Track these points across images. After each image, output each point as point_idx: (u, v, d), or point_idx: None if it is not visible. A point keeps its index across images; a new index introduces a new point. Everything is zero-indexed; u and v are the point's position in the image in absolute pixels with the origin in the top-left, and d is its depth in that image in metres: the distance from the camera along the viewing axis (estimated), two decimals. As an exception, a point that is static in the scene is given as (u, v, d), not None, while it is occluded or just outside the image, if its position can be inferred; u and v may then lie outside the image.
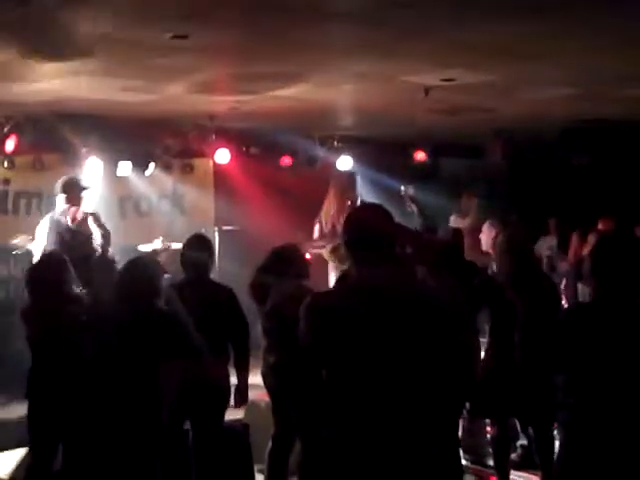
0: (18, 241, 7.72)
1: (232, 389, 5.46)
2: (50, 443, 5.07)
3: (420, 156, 11.32)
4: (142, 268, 4.71)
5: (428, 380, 3.21)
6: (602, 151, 10.45)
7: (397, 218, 3.57)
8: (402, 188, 7.31)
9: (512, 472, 5.97)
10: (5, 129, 8.58)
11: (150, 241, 9.29)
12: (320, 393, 3.31)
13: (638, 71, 6.85)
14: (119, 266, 5.17)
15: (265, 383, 5.44)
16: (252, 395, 5.82)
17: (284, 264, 5.36)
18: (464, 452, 6.58)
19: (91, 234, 7.46)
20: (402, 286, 3.26)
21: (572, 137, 10.34)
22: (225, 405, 5.39)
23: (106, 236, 7.51)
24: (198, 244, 5.49)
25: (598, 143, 10.30)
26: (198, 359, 4.69)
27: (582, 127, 9.89)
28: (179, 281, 5.42)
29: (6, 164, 9.01)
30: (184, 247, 5.55)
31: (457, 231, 7.20)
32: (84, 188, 7.75)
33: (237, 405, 5.51)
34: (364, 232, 3.27)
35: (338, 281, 5.20)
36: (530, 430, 6.09)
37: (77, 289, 5.37)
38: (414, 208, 6.96)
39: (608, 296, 3.76)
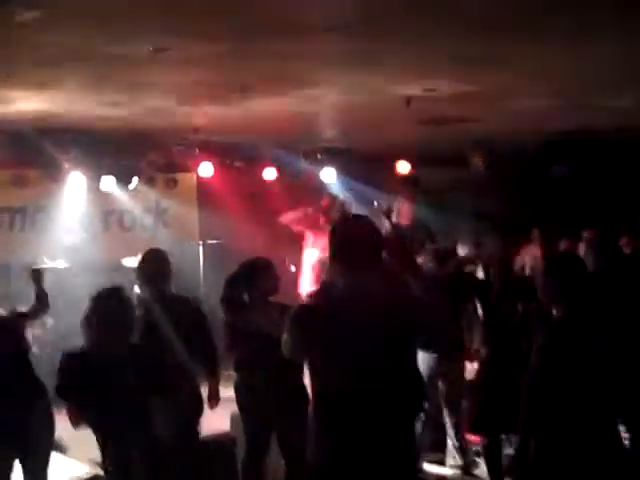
0: None
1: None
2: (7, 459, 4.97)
3: (403, 167, 11.35)
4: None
5: (407, 385, 3.27)
6: (584, 162, 10.52)
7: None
8: (375, 203, 7.34)
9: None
10: (-14, 144, 8.56)
11: (134, 255, 9.27)
12: (305, 405, 3.34)
13: (620, 82, 6.91)
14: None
15: (239, 398, 5.43)
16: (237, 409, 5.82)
17: (254, 277, 5.35)
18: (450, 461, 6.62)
19: None
20: (387, 297, 3.29)
21: (554, 148, 10.41)
22: (200, 413, 5.40)
23: None
24: (154, 258, 5.47)
25: (580, 154, 10.37)
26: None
27: (564, 138, 9.96)
28: (142, 298, 5.40)
29: (-13, 180, 8.99)
30: (140, 262, 5.53)
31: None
32: None
33: (211, 407, 5.51)
34: (350, 243, 3.30)
35: (319, 291, 5.19)
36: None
37: None
38: (387, 224, 6.99)
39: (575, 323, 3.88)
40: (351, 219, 3.69)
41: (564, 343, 3.89)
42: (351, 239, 3.32)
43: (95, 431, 4.51)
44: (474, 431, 6.20)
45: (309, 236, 9.85)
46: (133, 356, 4.49)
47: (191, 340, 5.22)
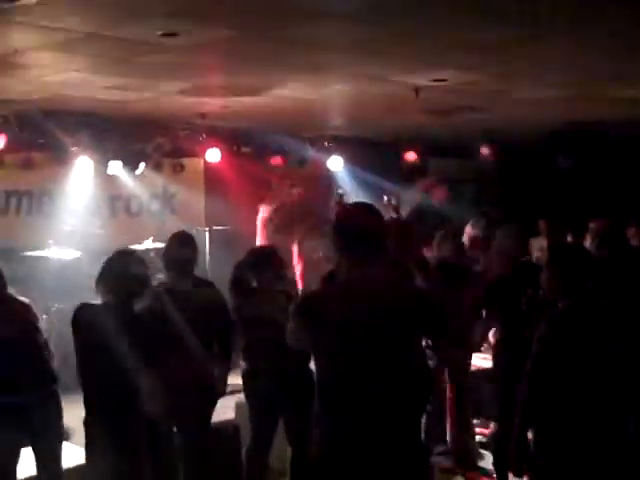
0: None
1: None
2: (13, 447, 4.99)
3: (410, 156, 11.33)
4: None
5: (408, 376, 3.25)
6: (590, 153, 10.48)
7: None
8: (385, 198, 7.34)
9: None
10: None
11: (140, 241, 9.28)
12: (312, 393, 3.34)
13: (626, 73, 6.87)
14: None
15: (246, 384, 5.42)
16: (242, 396, 5.83)
17: (262, 263, 5.35)
18: (454, 454, 6.61)
19: None
20: (390, 287, 3.28)
21: (561, 139, 10.38)
22: (213, 405, 5.37)
23: None
24: (181, 241, 5.46)
25: (586, 145, 10.33)
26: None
27: (571, 129, 9.92)
28: (165, 280, 5.38)
29: (-5, 163, 8.97)
30: (167, 245, 5.51)
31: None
32: None
33: (216, 397, 5.42)
34: (354, 232, 3.28)
35: (325, 280, 5.17)
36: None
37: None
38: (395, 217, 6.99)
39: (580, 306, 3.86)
40: (354, 208, 3.57)
41: (567, 333, 3.88)
42: (354, 228, 3.29)
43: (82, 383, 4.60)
44: (489, 418, 6.19)
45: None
46: (134, 323, 4.53)
47: (210, 325, 5.19)
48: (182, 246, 5.37)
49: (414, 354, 3.34)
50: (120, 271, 4.67)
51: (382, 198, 7.52)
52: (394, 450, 3.20)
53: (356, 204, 3.62)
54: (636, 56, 6.22)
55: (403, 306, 3.24)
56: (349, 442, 3.19)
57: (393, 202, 7.22)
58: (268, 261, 5.38)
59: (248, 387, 5.38)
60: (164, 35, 5.34)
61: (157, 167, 10.16)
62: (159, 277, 5.53)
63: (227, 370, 5.42)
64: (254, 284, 5.36)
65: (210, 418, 5.36)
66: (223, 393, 5.45)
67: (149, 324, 4.69)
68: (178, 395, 5.00)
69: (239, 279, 5.39)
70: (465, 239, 7.39)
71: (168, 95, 7.69)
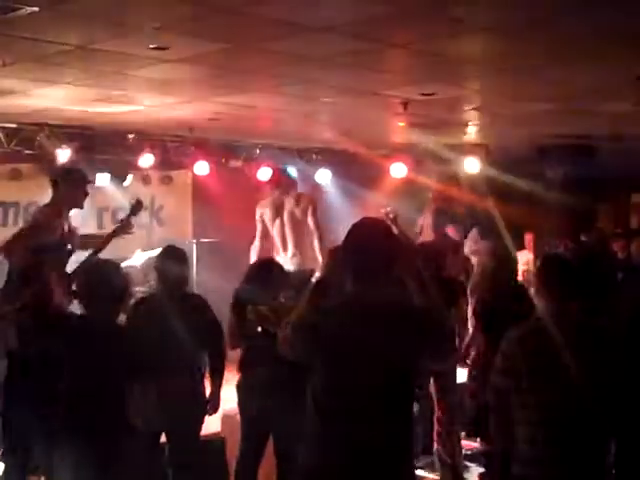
0: None
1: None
2: (24, 449, 4.97)
3: (398, 169, 11.31)
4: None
5: (404, 395, 3.26)
6: (578, 166, 10.52)
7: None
8: (382, 210, 7.29)
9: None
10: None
11: (127, 253, 9.24)
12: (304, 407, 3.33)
13: (615, 86, 6.92)
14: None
15: (241, 397, 5.40)
16: (228, 408, 5.80)
17: (264, 279, 5.34)
18: (440, 466, 6.60)
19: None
20: (393, 306, 3.26)
21: (549, 152, 10.42)
22: (202, 419, 5.35)
23: None
24: (173, 255, 5.45)
25: (575, 158, 10.38)
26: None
27: (559, 142, 9.97)
28: (154, 293, 5.36)
29: (-18, 174, 8.95)
30: (158, 258, 5.50)
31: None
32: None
33: (210, 413, 5.41)
34: (362, 249, 3.27)
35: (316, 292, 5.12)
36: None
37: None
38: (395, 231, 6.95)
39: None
40: (364, 224, 3.43)
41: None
42: (362, 246, 3.28)
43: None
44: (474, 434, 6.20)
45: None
46: (117, 335, 4.45)
47: (199, 338, 5.16)
48: (175, 261, 5.37)
49: (411, 373, 3.31)
50: (102, 280, 4.47)
51: (377, 210, 7.52)
52: (386, 470, 3.19)
53: (365, 221, 3.47)
54: (619, 71, 6.27)
55: (405, 326, 3.22)
56: (341, 459, 3.17)
57: (391, 215, 7.21)
58: (268, 273, 5.39)
59: (243, 399, 5.35)
60: (153, 49, 5.35)
61: (145, 179, 10.15)
62: (139, 289, 5.52)
63: (220, 385, 5.37)
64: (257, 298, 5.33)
65: (199, 431, 5.33)
66: (217, 409, 5.41)
67: (134, 335, 4.63)
68: (165, 407, 5.00)
69: (242, 297, 5.39)
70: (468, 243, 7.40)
71: (157, 108, 7.70)
